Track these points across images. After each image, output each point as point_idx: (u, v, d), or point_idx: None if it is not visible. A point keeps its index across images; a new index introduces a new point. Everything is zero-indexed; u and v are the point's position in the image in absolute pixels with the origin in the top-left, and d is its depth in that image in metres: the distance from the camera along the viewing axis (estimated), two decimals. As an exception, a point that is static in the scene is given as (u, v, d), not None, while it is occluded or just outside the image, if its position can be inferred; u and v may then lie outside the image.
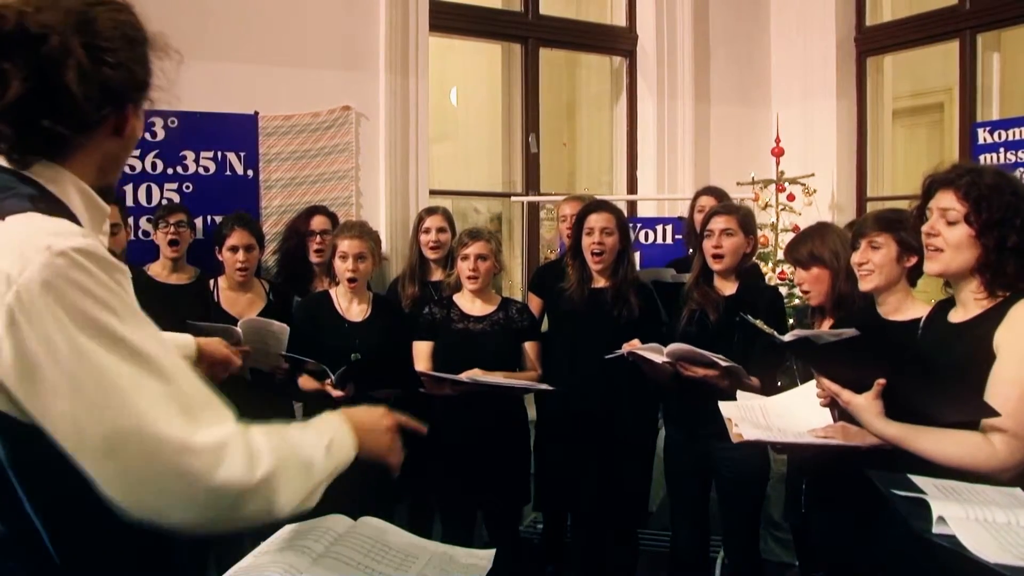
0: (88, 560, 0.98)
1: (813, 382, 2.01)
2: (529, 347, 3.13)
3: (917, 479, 1.47)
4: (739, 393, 2.49)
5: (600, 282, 3.17)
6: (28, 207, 0.94)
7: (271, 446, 1.00)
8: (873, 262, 2.19)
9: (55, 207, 0.97)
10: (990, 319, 1.65)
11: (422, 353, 3.08)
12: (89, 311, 0.89)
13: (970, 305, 1.72)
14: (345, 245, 3.06)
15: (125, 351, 0.91)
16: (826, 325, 2.54)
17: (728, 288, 2.91)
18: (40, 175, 1.00)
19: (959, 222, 1.67)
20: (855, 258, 2.24)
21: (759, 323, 2.00)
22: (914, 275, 2.21)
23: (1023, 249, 1.63)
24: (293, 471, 1.03)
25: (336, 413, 1.22)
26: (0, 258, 0.88)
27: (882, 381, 1.69)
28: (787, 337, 1.80)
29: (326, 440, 1.13)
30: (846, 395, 1.76)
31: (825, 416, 2.11)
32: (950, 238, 1.68)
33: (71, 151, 1.01)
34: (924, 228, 1.74)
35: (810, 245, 2.54)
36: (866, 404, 1.72)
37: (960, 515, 1.30)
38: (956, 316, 1.77)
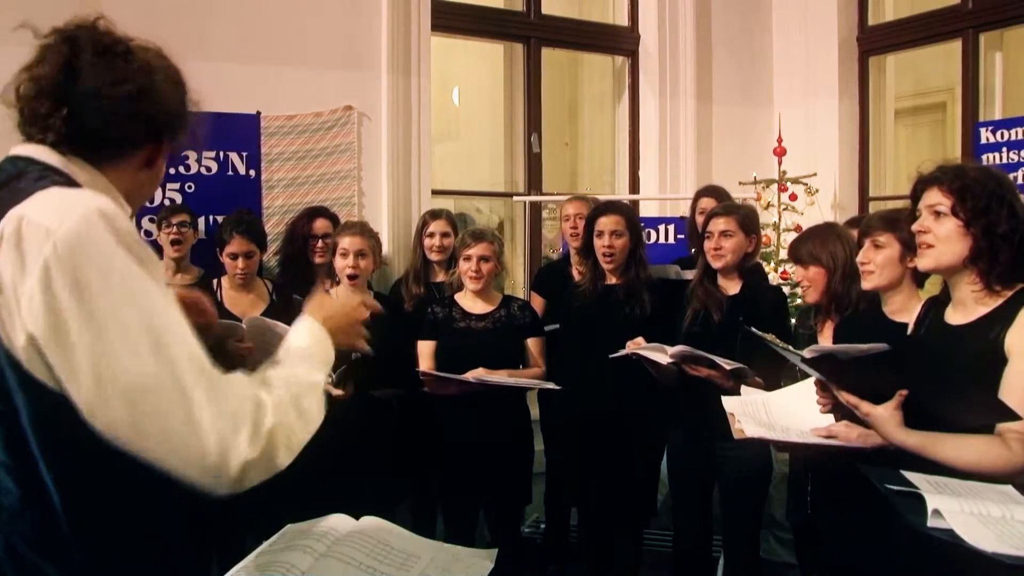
0: (95, 531, 1.01)
1: (811, 380, 1.99)
2: (532, 344, 3.12)
3: (910, 475, 1.47)
4: (743, 388, 2.49)
5: (612, 279, 3.17)
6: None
7: (274, 405, 1.04)
8: (875, 262, 2.20)
9: None
10: (997, 321, 1.64)
11: (425, 352, 3.08)
12: (121, 262, 0.96)
13: (970, 305, 1.71)
14: (346, 242, 3.06)
15: (153, 303, 0.97)
16: (828, 325, 2.55)
17: (732, 288, 2.91)
18: (75, 173, 1.08)
19: (947, 215, 1.69)
20: (859, 257, 2.25)
21: (773, 339, 1.94)
22: (920, 276, 2.21)
23: (1014, 237, 1.65)
24: (292, 425, 1.06)
25: (317, 327, 1.23)
26: (42, 216, 0.96)
27: (904, 392, 1.67)
28: (807, 353, 1.75)
29: (320, 377, 1.17)
30: (865, 407, 1.73)
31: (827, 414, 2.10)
32: (939, 232, 1.70)
33: (106, 164, 1.10)
34: (914, 227, 1.76)
35: (810, 245, 2.58)
36: (887, 415, 1.69)
37: (955, 508, 1.30)
38: (955, 318, 1.75)
